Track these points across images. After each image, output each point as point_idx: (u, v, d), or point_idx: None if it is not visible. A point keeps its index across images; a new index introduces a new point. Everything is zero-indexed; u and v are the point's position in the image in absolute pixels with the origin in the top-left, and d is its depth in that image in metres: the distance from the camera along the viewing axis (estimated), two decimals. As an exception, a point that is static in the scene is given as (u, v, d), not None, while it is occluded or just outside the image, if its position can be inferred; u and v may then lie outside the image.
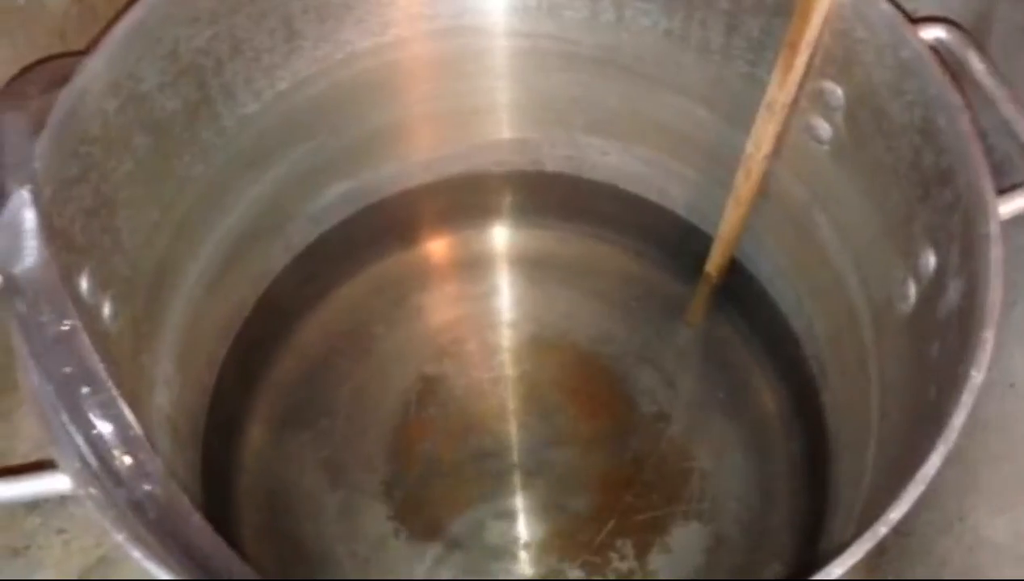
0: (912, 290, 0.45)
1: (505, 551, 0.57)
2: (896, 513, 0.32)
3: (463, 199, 0.66)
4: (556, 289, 0.65)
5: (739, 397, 0.61)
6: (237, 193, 0.56)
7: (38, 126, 0.40)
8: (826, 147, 0.50)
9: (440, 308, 0.66)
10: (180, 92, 0.48)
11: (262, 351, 0.62)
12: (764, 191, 0.54)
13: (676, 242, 0.63)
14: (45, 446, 0.62)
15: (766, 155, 0.51)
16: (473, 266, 0.66)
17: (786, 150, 0.52)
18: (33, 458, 0.62)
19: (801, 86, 0.48)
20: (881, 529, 0.31)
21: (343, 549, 0.58)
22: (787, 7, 0.46)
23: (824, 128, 0.49)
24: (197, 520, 0.39)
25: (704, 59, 0.52)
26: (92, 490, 0.37)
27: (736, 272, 0.60)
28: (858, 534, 0.34)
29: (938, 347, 0.41)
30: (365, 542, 0.58)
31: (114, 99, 0.44)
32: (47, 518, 0.62)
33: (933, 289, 0.42)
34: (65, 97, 0.41)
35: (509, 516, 0.58)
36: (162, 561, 0.36)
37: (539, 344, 0.63)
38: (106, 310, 0.46)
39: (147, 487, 0.38)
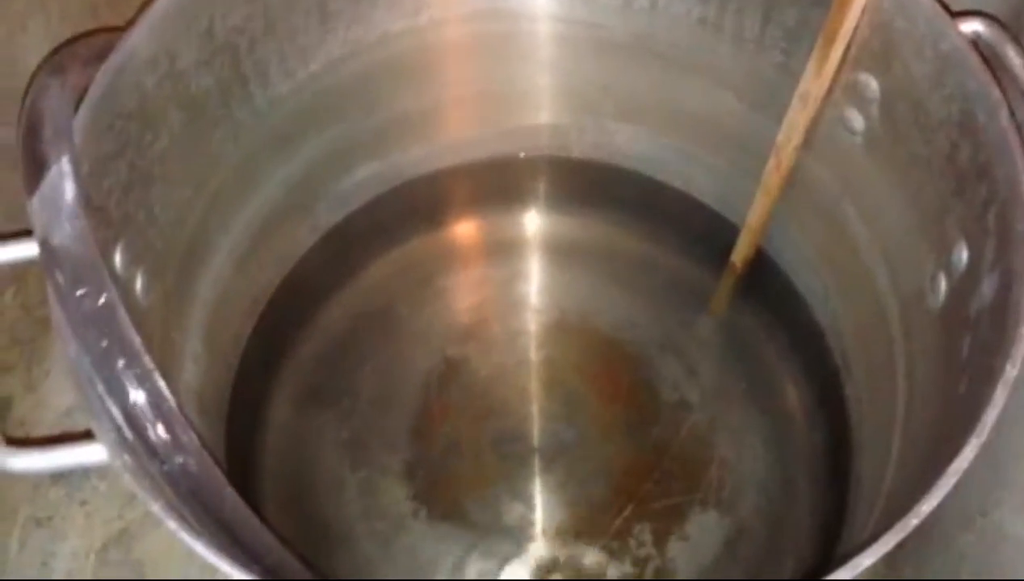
0: (943, 284, 0.44)
1: (523, 533, 0.57)
2: (927, 506, 0.32)
3: (491, 183, 0.66)
4: (581, 275, 0.65)
5: (761, 388, 0.61)
6: (267, 172, 0.56)
7: (78, 100, 0.41)
8: (859, 139, 0.49)
9: (465, 291, 0.66)
10: (215, 70, 0.48)
11: (287, 330, 0.63)
12: (793, 182, 0.54)
13: (702, 231, 0.63)
14: (72, 415, 0.64)
15: (797, 146, 0.51)
16: (499, 250, 0.66)
17: (817, 141, 0.52)
18: (59, 428, 0.63)
19: (836, 77, 0.47)
20: (912, 521, 0.32)
21: (363, 527, 0.58)
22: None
23: (858, 120, 0.49)
24: (230, 493, 0.39)
25: (738, 48, 0.52)
26: (127, 460, 0.37)
27: (762, 262, 0.60)
28: (886, 525, 0.35)
29: (969, 342, 0.40)
30: (385, 521, 0.58)
31: (152, 75, 0.44)
32: (71, 490, 0.63)
33: (965, 284, 0.42)
34: (104, 72, 0.41)
35: (528, 499, 0.59)
36: (196, 533, 0.36)
37: (562, 329, 0.63)
38: (138, 285, 0.46)
39: (180, 459, 0.38)
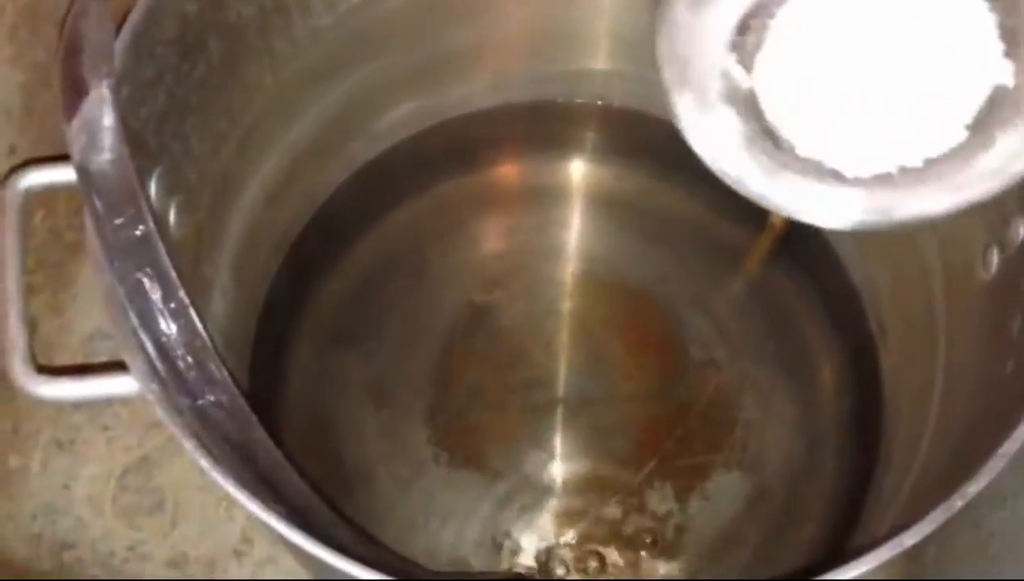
0: (995, 258, 0.43)
1: (542, 484, 0.57)
2: (975, 487, 0.31)
3: (530, 127, 0.65)
4: (616, 227, 0.64)
5: (792, 350, 0.60)
6: (303, 107, 0.55)
7: (119, 23, 0.39)
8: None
9: (496, 237, 0.65)
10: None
11: (314, 268, 0.62)
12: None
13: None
14: (95, 340, 0.64)
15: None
16: (533, 196, 0.65)
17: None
18: (83, 353, 0.63)
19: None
20: (957, 503, 0.31)
21: (383, 470, 0.58)
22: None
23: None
24: (259, 432, 0.39)
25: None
26: (158, 394, 0.37)
27: (801, 224, 0.59)
28: (922, 501, 0.34)
29: (1020, 321, 0.39)
30: (405, 465, 0.58)
31: (194, 2, 0.43)
32: (93, 415, 0.63)
33: (1019, 260, 0.41)
34: (145, -2, 0.40)
35: (549, 449, 0.58)
36: (227, 471, 0.36)
37: (593, 280, 0.63)
38: (171, 216, 0.46)
39: (212, 396, 0.38)
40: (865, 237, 0.56)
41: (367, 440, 0.59)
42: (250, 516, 0.61)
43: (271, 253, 0.59)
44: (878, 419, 0.55)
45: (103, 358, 0.63)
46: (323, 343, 0.61)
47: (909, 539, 0.30)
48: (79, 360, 0.63)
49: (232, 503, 0.61)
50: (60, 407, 0.62)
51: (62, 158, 0.42)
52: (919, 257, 0.51)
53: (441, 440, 0.58)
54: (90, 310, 0.64)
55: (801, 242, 0.60)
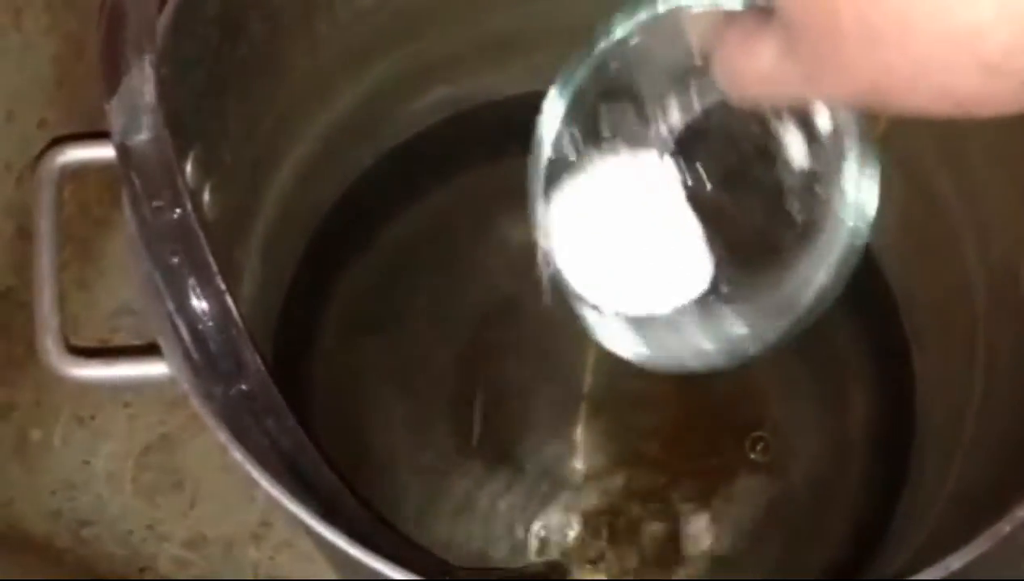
0: (1042, 271, 0.43)
1: (566, 479, 0.57)
2: (1024, 511, 0.30)
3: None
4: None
5: (822, 351, 0.59)
6: (338, 89, 0.54)
7: None
8: (966, 110, 0.47)
9: (525, 226, 0.64)
10: (300, -21, 0.46)
11: (340, 253, 0.61)
12: (886, 146, 0.51)
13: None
14: (121, 316, 0.63)
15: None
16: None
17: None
18: (108, 327, 0.63)
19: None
20: (1006, 527, 0.30)
21: (405, 457, 0.58)
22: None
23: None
24: (291, 422, 0.39)
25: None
26: (191, 380, 0.36)
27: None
28: (963, 518, 0.33)
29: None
30: (427, 453, 0.58)
31: (236, -20, 0.42)
32: (115, 391, 0.63)
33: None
34: (191, -27, 0.39)
35: (573, 445, 0.58)
36: (259, 462, 0.36)
37: (621, 274, 0.62)
38: (206, 198, 0.45)
39: (244, 384, 0.37)
40: (906, 243, 0.55)
41: (390, 428, 0.58)
42: (270, 499, 0.61)
43: (301, 236, 0.59)
44: (910, 426, 0.54)
45: (126, 334, 0.63)
46: (347, 329, 0.60)
47: (956, 562, 0.30)
48: (104, 335, 0.63)
49: (252, 484, 0.60)
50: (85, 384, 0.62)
51: (97, 135, 0.42)
52: (961, 266, 0.50)
53: (463, 430, 0.58)
54: (116, 286, 0.64)
55: (838, 245, 0.59)
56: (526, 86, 0.62)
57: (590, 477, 0.57)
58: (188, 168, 0.43)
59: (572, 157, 0.35)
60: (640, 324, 0.37)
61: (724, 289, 0.36)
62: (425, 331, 0.60)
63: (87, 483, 0.60)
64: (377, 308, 0.61)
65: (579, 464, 0.57)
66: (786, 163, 0.32)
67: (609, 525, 0.56)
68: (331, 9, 0.49)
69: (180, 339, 0.37)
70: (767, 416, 0.58)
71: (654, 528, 0.56)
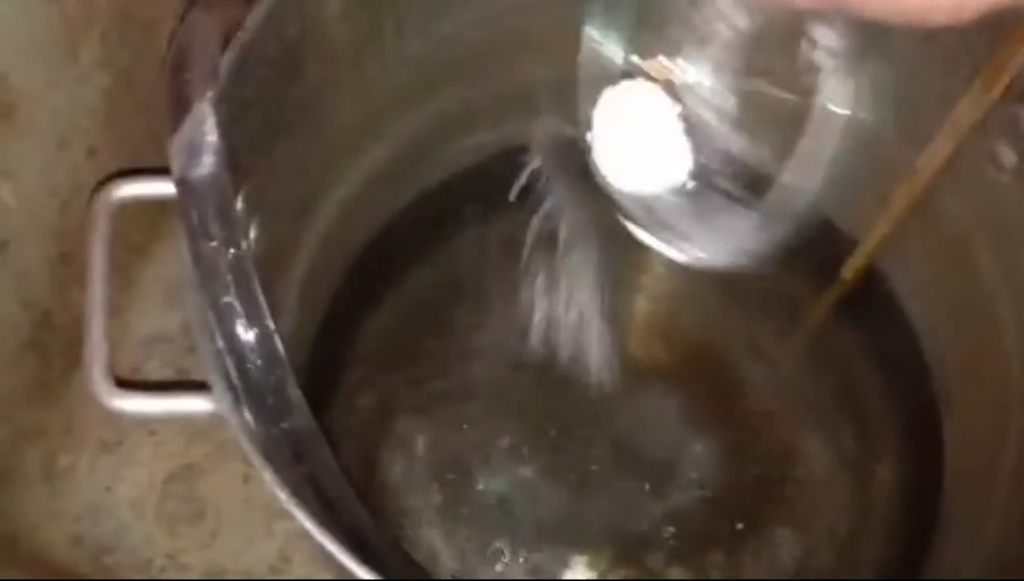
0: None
1: (589, 529, 0.57)
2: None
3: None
4: (678, 272, 0.63)
5: (849, 410, 0.59)
6: (383, 131, 0.55)
7: (226, 38, 0.40)
8: (1006, 176, 0.47)
9: (560, 271, 0.65)
10: (355, 23, 0.47)
11: (372, 291, 0.62)
12: (924, 209, 0.52)
13: (813, 241, 0.61)
14: (152, 344, 0.64)
15: (936, 173, 0.49)
16: (604, 230, 0.65)
17: (959, 172, 0.49)
18: (141, 355, 0.63)
19: (992, 109, 0.45)
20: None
21: (428, 499, 0.58)
22: (993, 24, 0.43)
23: (1009, 156, 0.47)
24: (333, 465, 0.39)
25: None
26: (238, 418, 0.37)
27: (871, 282, 0.58)
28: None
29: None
30: (450, 493, 0.58)
31: (297, 24, 0.43)
32: (138, 419, 0.63)
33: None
34: (253, 17, 0.40)
35: (598, 494, 0.58)
36: (297, 498, 0.36)
37: (650, 326, 0.62)
38: (252, 234, 0.46)
39: (288, 423, 0.38)
40: (939, 305, 0.55)
41: (412, 466, 0.58)
42: (290, 533, 0.61)
43: (334, 275, 0.59)
44: (938, 490, 0.54)
45: (159, 362, 0.64)
46: (375, 367, 0.61)
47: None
48: (136, 363, 0.63)
49: (273, 518, 0.61)
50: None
51: (150, 171, 0.43)
52: (996, 332, 0.50)
53: (486, 474, 0.58)
54: (149, 313, 0.64)
55: (870, 301, 0.59)
56: (568, 131, 0.63)
57: (614, 527, 0.57)
58: (239, 205, 0.43)
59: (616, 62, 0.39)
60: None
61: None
62: (451, 373, 0.60)
63: (110, 509, 0.60)
64: (405, 346, 0.61)
65: (604, 513, 0.57)
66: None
67: (632, 576, 0.56)
68: (381, 53, 0.50)
69: (228, 375, 0.37)
70: (793, 471, 0.58)
71: (675, 578, 0.56)
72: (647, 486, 0.58)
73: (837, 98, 0.36)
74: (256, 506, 0.61)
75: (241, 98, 0.41)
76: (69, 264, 0.56)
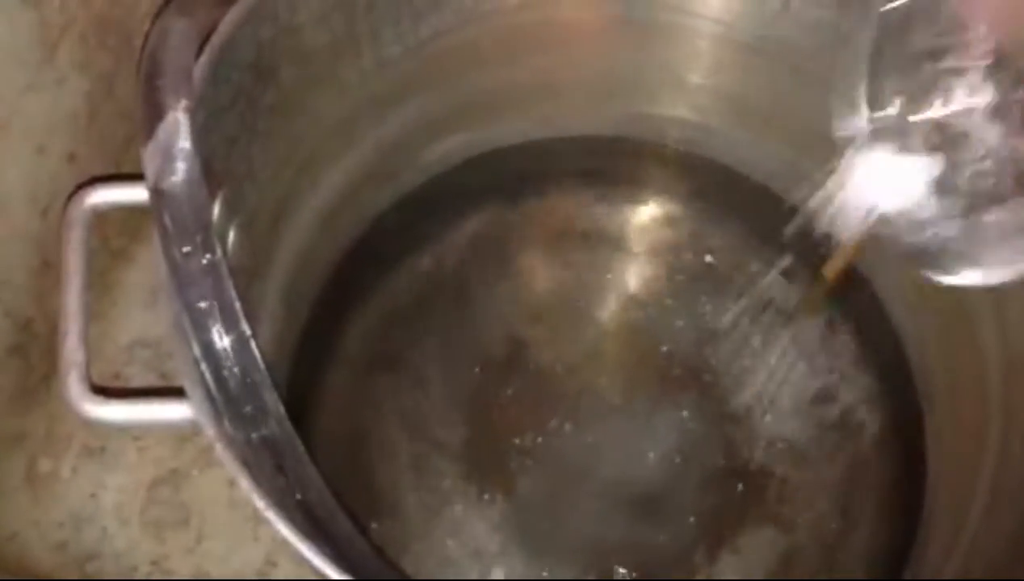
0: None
1: (574, 528, 0.57)
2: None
3: (580, 164, 0.64)
4: (663, 270, 0.63)
5: (832, 407, 0.59)
6: (362, 134, 0.55)
7: (201, 43, 0.39)
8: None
9: (539, 272, 0.65)
10: (330, 27, 0.47)
11: (354, 295, 0.62)
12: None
13: (797, 239, 0.61)
14: (134, 350, 0.64)
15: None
16: (579, 233, 0.65)
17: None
18: (121, 360, 0.63)
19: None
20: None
21: (413, 500, 0.58)
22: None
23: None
24: (311, 469, 0.39)
25: (869, 64, 0.50)
26: (215, 425, 0.37)
27: (855, 282, 0.58)
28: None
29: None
30: (435, 496, 0.58)
31: (271, 28, 0.43)
32: (119, 426, 0.62)
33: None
34: (227, 23, 0.40)
35: (583, 495, 0.58)
36: (276, 504, 0.36)
37: (636, 325, 0.62)
38: (230, 240, 0.46)
39: (266, 430, 0.38)
40: (922, 309, 0.55)
41: (399, 469, 0.58)
42: (276, 538, 0.61)
43: (318, 277, 0.59)
44: (921, 484, 0.54)
45: (140, 367, 0.63)
46: (359, 371, 0.61)
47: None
48: (116, 368, 0.62)
49: (259, 523, 0.60)
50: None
51: (127, 177, 0.43)
52: (976, 340, 0.50)
53: (471, 475, 0.58)
54: (129, 319, 0.64)
55: (853, 301, 0.59)
56: (543, 133, 0.63)
57: (600, 528, 0.57)
58: (215, 211, 0.43)
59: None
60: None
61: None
62: (437, 374, 0.60)
63: (94, 516, 0.60)
64: (388, 350, 0.61)
65: (589, 515, 0.57)
66: None
67: (616, 574, 0.56)
68: (358, 56, 0.50)
69: (204, 382, 0.37)
70: (776, 470, 0.58)
71: (660, 578, 0.56)
72: (628, 489, 0.58)
73: None
74: (241, 511, 0.61)
75: (216, 103, 0.41)
76: (50, 271, 0.56)
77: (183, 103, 0.37)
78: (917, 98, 0.38)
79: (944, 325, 0.54)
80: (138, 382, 0.63)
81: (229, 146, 0.43)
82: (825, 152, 0.57)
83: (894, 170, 0.40)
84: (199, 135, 0.39)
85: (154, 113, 0.37)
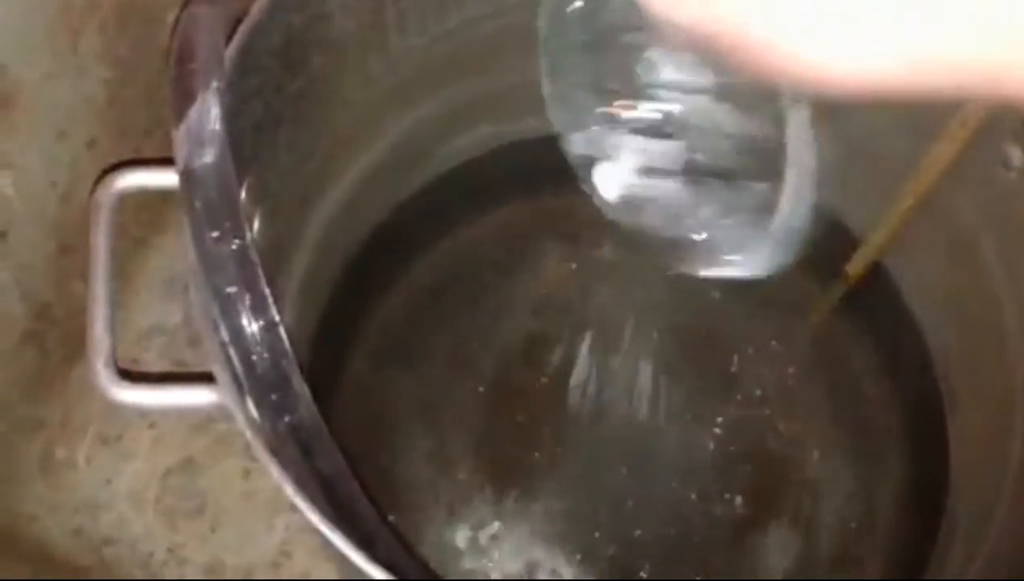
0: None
1: (587, 525, 0.57)
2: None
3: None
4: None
5: (853, 408, 0.59)
6: (386, 124, 0.55)
7: (231, 29, 0.39)
8: (1014, 175, 0.47)
9: (560, 267, 0.64)
10: (358, 16, 0.47)
11: (373, 284, 0.62)
12: (929, 206, 0.52)
13: (819, 236, 0.61)
14: (153, 335, 0.63)
15: (942, 171, 0.49)
16: (599, 229, 0.64)
17: (966, 170, 0.49)
18: (140, 346, 0.63)
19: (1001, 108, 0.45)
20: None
21: (429, 494, 0.58)
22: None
23: (1017, 156, 0.47)
24: (339, 459, 0.39)
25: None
26: (243, 410, 0.36)
27: (877, 279, 0.58)
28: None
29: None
30: (450, 490, 0.58)
31: (300, 15, 0.43)
32: (141, 411, 0.62)
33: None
34: (258, 8, 0.40)
35: (597, 491, 0.58)
36: (301, 489, 0.36)
37: (652, 319, 0.62)
38: (255, 225, 0.45)
39: (293, 416, 0.37)
40: (945, 305, 0.55)
41: (415, 461, 0.58)
42: (290, 528, 0.61)
43: (338, 266, 0.59)
44: (943, 485, 0.54)
45: (157, 353, 0.63)
46: (377, 361, 0.61)
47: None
48: (135, 354, 0.62)
49: (273, 513, 0.60)
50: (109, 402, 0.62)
51: (152, 161, 0.42)
52: (1000, 331, 0.50)
53: (487, 469, 0.58)
54: (149, 305, 0.64)
55: (875, 298, 0.59)
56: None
57: (615, 524, 0.57)
58: (242, 196, 0.43)
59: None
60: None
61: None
62: (454, 366, 0.60)
63: (110, 503, 0.60)
64: (406, 341, 0.61)
65: (604, 511, 0.57)
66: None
67: (634, 572, 0.56)
68: (385, 45, 0.50)
69: (232, 368, 0.37)
70: (797, 470, 0.58)
71: (679, 577, 0.55)
72: (646, 486, 0.57)
73: (801, 126, 0.35)
74: (256, 500, 0.61)
75: (245, 89, 0.41)
76: (69, 256, 0.55)
77: (214, 86, 0.37)
78: (637, 90, 0.37)
79: (968, 321, 0.53)
80: (155, 368, 0.63)
81: (256, 132, 0.43)
82: (852, 153, 0.57)
83: (629, 164, 0.39)
84: (228, 120, 0.39)
85: (185, 96, 0.36)
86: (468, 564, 0.56)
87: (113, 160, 0.55)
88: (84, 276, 0.54)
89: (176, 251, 0.65)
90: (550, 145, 0.63)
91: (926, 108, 0.49)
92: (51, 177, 0.53)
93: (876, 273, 0.58)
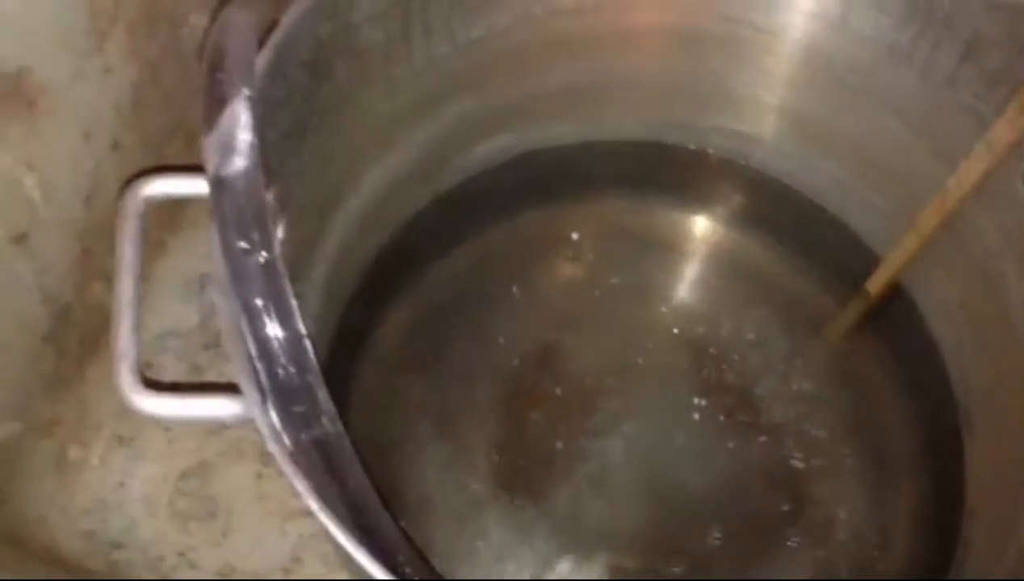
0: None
1: (600, 535, 0.56)
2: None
3: (624, 169, 0.64)
4: (701, 279, 0.63)
5: (870, 427, 0.59)
6: (409, 133, 0.55)
7: (263, 36, 0.39)
8: (1038, 198, 0.47)
9: (577, 276, 0.64)
10: (385, 25, 0.47)
11: (390, 291, 0.61)
12: (952, 228, 0.51)
13: (840, 254, 0.61)
14: (165, 339, 0.63)
15: (966, 193, 0.49)
16: (619, 239, 0.65)
17: (990, 192, 0.49)
18: (153, 350, 0.63)
19: (1028, 130, 0.45)
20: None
21: (441, 502, 0.57)
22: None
23: (1043, 177, 0.47)
24: (359, 472, 0.39)
25: (925, 82, 0.49)
26: (268, 424, 0.36)
27: (897, 299, 0.58)
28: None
29: None
30: (462, 498, 0.57)
31: (328, 24, 0.43)
32: (168, 421, 0.62)
33: None
34: (288, 17, 0.40)
35: (610, 502, 0.57)
36: (325, 506, 0.36)
37: (670, 332, 0.62)
38: (279, 234, 0.45)
39: (317, 430, 0.37)
40: (964, 325, 0.55)
41: (427, 469, 0.58)
42: (303, 534, 0.61)
43: (355, 275, 0.59)
44: (958, 510, 0.53)
45: (172, 356, 0.63)
46: (393, 368, 0.60)
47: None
48: (149, 358, 0.62)
49: (285, 518, 0.60)
50: (124, 403, 0.62)
51: (180, 168, 0.42)
52: (1019, 347, 0.50)
53: (500, 478, 0.58)
54: (162, 309, 0.64)
55: (894, 319, 0.59)
56: (587, 136, 0.63)
57: (627, 536, 0.56)
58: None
59: None
60: None
61: None
62: (467, 375, 0.60)
63: (121, 505, 0.60)
64: (422, 349, 0.61)
65: (617, 521, 0.57)
66: None
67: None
68: (410, 55, 0.50)
69: (257, 380, 0.37)
70: (811, 487, 0.57)
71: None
72: (658, 497, 0.57)
73: None
74: (269, 506, 0.61)
75: (273, 98, 0.41)
76: (90, 258, 0.55)
77: (245, 94, 0.37)
78: None
79: (988, 344, 0.53)
80: (169, 372, 0.63)
81: (283, 141, 0.43)
82: (876, 172, 0.57)
83: None
84: (256, 129, 0.39)
85: (216, 104, 0.36)
86: (479, 573, 0.56)
87: (136, 163, 0.55)
88: (105, 277, 0.54)
89: (192, 253, 0.65)
90: (571, 155, 0.64)
91: (951, 128, 0.50)
92: (75, 179, 0.53)
93: (896, 292, 0.57)
